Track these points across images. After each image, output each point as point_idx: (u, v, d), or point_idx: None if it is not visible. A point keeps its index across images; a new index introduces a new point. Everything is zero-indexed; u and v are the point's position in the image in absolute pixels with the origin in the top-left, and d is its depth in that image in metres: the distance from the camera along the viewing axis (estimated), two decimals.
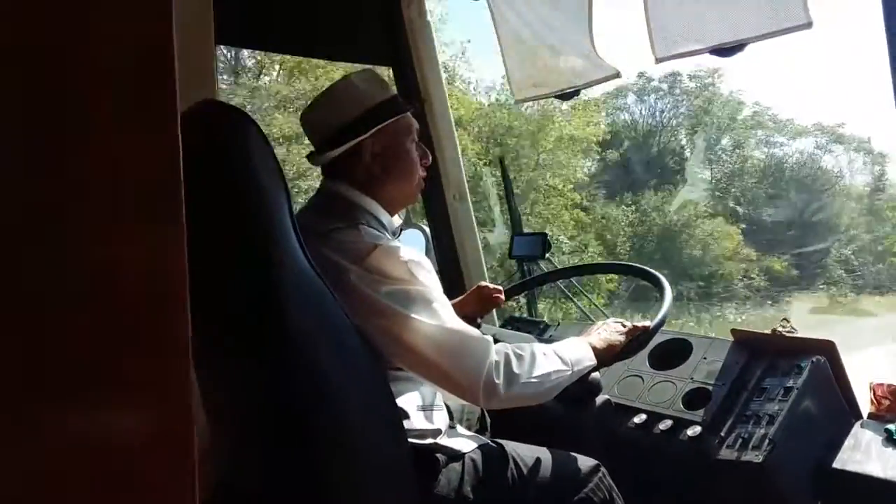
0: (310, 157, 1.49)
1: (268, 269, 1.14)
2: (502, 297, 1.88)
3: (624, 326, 1.56)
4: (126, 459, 0.76)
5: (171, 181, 0.84)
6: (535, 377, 1.32)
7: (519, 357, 1.32)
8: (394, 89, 1.51)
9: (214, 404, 1.26)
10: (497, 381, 1.27)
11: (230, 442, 1.29)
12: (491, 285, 1.91)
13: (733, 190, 19.46)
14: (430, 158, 1.54)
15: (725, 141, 20.17)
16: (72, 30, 0.73)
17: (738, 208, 19.02)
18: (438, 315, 1.29)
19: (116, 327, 0.77)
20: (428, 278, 1.34)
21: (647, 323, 1.57)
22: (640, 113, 20.79)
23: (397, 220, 1.52)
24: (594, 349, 1.47)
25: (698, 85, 19.97)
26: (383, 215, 1.45)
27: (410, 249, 1.36)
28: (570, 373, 1.39)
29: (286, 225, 1.16)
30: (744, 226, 18.53)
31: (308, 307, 1.18)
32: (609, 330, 1.54)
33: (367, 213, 1.41)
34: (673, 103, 20.52)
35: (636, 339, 1.54)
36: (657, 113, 20.76)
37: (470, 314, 1.88)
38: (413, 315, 1.27)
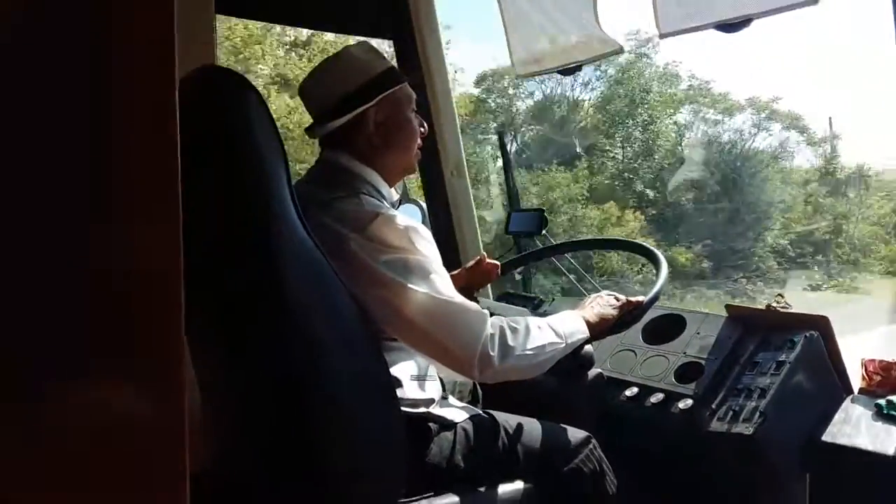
0: (308, 129, 1.49)
1: (266, 239, 1.14)
2: (498, 269, 1.88)
3: (617, 300, 1.56)
4: (117, 435, 0.76)
5: (168, 146, 0.84)
6: (529, 350, 1.33)
7: (514, 330, 1.32)
8: (388, 60, 1.50)
9: (210, 376, 1.27)
10: (492, 354, 1.27)
11: (226, 413, 1.29)
12: (489, 259, 1.92)
13: (643, 172, 17.37)
14: (427, 129, 1.55)
15: (646, 117, 17.72)
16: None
17: (649, 192, 17.02)
18: (436, 286, 1.29)
19: (109, 300, 0.76)
20: (428, 248, 1.34)
21: (641, 298, 1.57)
22: (571, 86, 18.04)
23: (395, 194, 1.52)
24: (587, 322, 1.47)
25: (629, 57, 17.55)
26: (383, 186, 1.45)
27: (411, 219, 1.36)
28: (563, 345, 1.39)
29: (284, 194, 1.16)
30: (652, 212, 16.54)
31: (306, 277, 1.18)
32: (602, 303, 1.54)
33: (367, 184, 1.41)
34: (602, 75, 18.03)
35: (629, 313, 1.55)
36: (581, 86, 18.02)
37: (466, 287, 1.88)
38: (410, 285, 1.27)
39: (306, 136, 1.54)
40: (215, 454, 1.26)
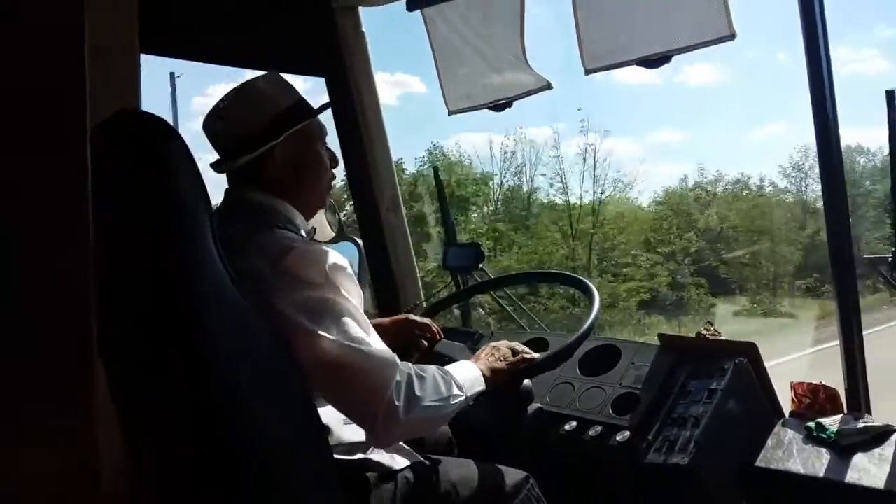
0: (214, 164, 1.44)
1: (187, 287, 1.10)
2: (424, 344, 1.86)
3: (514, 354, 1.55)
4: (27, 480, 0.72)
5: (79, 198, 0.81)
6: (434, 401, 1.28)
7: (421, 378, 1.28)
8: (298, 93, 1.46)
9: (131, 420, 1.21)
10: (398, 404, 1.22)
11: (149, 457, 1.23)
12: (419, 319, 1.88)
13: None
14: (339, 162, 1.53)
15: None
16: None
17: None
18: (346, 329, 1.24)
19: (21, 349, 0.74)
20: (345, 283, 1.29)
21: (535, 355, 1.58)
22: None
23: (309, 224, 1.48)
24: (483, 375, 1.45)
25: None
26: (298, 217, 1.41)
27: (329, 251, 1.32)
28: (464, 398, 1.35)
29: (206, 240, 1.12)
30: None
31: (228, 324, 1.15)
32: (496, 356, 1.52)
33: (282, 217, 1.38)
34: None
35: (522, 370, 1.55)
36: None
37: (392, 343, 1.86)
38: (319, 330, 1.22)
39: None
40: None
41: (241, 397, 1.14)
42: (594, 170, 18.32)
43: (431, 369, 1.33)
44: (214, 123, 1.42)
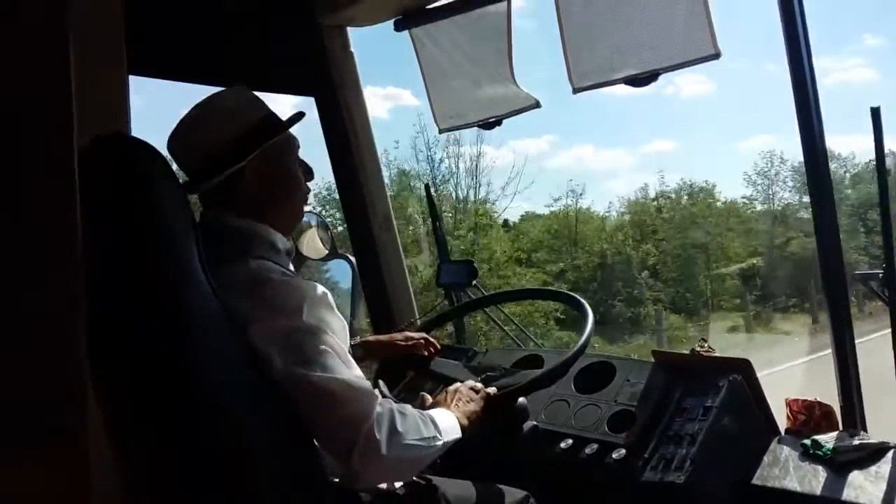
0: (183, 186, 1.34)
1: (174, 310, 1.10)
2: (430, 348, 1.85)
3: (476, 392, 1.50)
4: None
5: (68, 223, 0.81)
6: (415, 440, 1.23)
7: (402, 415, 1.24)
8: (266, 106, 1.39)
9: (121, 444, 1.20)
10: (378, 437, 1.17)
11: (139, 488, 1.22)
12: (416, 335, 1.87)
13: None
14: (314, 175, 1.46)
15: None
16: None
17: None
18: (324, 362, 1.19)
19: (11, 377, 0.74)
20: (323, 314, 1.24)
21: (491, 390, 1.53)
22: None
23: (289, 242, 1.43)
24: (460, 423, 1.39)
25: None
26: (276, 238, 1.35)
27: (308, 284, 1.28)
28: (441, 444, 1.30)
29: (193, 264, 1.12)
30: None
31: (216, 349, 1.15)
32: (464, 399, 1.47)
33: (258, 242, 1.32)
34: None
35: (489, 405, 1.50)
36: None
37: (389, 357, 1.87)
38: (296, 367, 1.17)
39: None
40: None
41: (226, 408, 1.14)
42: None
43: (411, 408, 1.29)
44: (179, 144, 1.35)
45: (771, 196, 21.90)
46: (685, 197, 21.37)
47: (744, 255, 19.36)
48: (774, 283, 18.20)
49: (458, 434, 1.36)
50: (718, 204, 21.27)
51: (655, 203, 21.01)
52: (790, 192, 21.75)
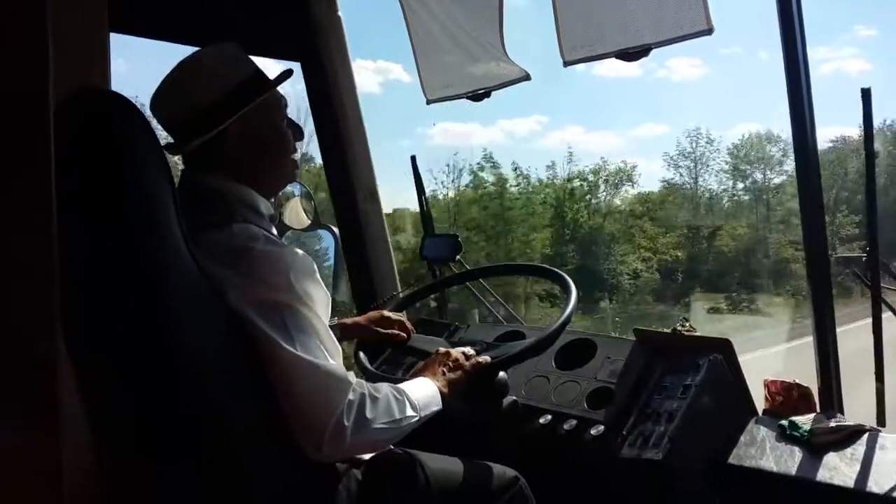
0: (167, 147, 1.32)
1: (151, 268, 1.08)
2: (403, 335, 1.83)
3: (466, 358, 1.50)
4: None
5: (41, 177, 0.79)
6: (384, 423, 1.24)
7: (374, 399, 1.23)
8: (253, 64, 1.36)
9: (98, 415, 1.18)
10: (346, 424, 1.17)
11: (115, 455, 1.20)
12: (393, 316, 1.85)
13: None
14: (303, 135, 1.44)
15: None
16: None
17: None
18: (304, 341, 1.18)
19: None
20: (308, 287, 1.23)
21: (486, 358, 1.53)
22: None
23: (272, 208, 1.41)
24: (441, 392, 1.39)
25: None
26: (260, 202, 1.33)
27: (295, 253, 1.25)
28: (417, 419, 1.31)
29: (170, 222, 1.09)
30: None
31: (193, 311, 1.13)
32: (450, 366, 1.47)
33: (241, 204, 1.29)
34: None
35: (477, 373, 1.50)
36: None
37: (365, 339, 1.84)
38: (277, 338, 1.16)
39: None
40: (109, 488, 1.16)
41: (205, 375, 1.13)
42: None
43: (385, 389, 1.28)
44: (161, 102, 1.31)
45: (695, 179, 21.68)
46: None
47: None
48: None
49: (437, 406, 1.36)
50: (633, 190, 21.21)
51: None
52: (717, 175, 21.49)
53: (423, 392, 1.36)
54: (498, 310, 2.40)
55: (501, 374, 1.66)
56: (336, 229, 2.53)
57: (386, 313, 1.86)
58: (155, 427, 1.12)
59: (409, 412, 1.29)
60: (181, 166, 1.37)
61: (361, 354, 1.81)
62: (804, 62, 1.59)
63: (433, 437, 1.67)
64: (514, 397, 1.74)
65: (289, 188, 2.15)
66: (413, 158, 2.59)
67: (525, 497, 1.47)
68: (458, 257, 2.39)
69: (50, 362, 0.79)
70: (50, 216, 0.80)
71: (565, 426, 1.69)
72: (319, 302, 1.25)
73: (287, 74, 1.40)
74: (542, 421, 1.75)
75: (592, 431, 1.64)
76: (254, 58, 1.39)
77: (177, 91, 1.30)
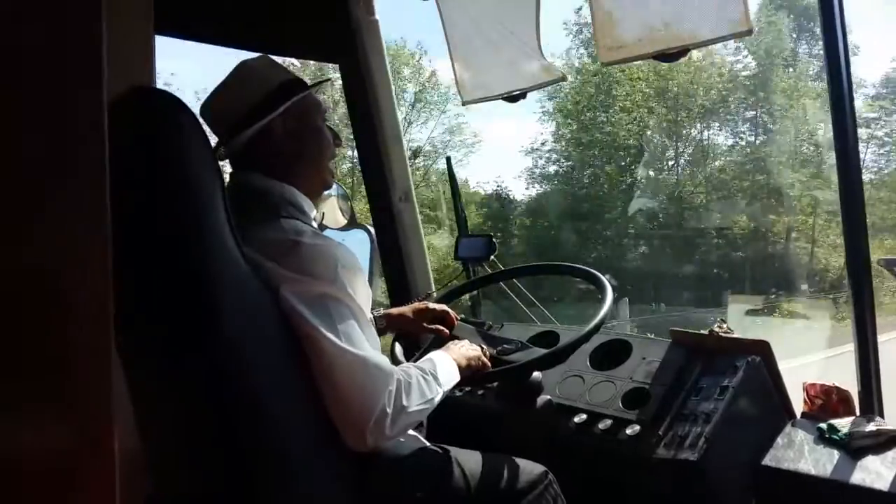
0: (215, 150, 1.38)
1: (200, 266, 1.10)
2: (446, 331, 1.85)
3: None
4: (42, 470, 0.73)
5: (97, 175, 0.81)
6: (417, 406, 1.29)
7: (408, 385, 1.28)
8: (291, 72, 1.46)
9: (146, 410, 1.22)
10: (388, 412, 1.22)
11: (163, 449, 1.23)
12: (437, 307, 1.88)
13: None
14: (342, 140, 1.51)
15: None
16: None
17: None
18: (349, 333, 1.22)
19: (33, 330, 0.74)
20: (353, 281, 1.26)
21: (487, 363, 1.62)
22: None
23: (315, 209, 1.45)
24: (458, 366, 1.48)
25: None
26: (304, 200, 1.38)
27: (339, 246, 1.29)
28: (440, 395, 1.36)
29: (219, 220, 1.12)
30: None
31: (242, 307, 1.15)
32: (468, 347, 1.58)
33: (286, 202, 1.34)
34: None
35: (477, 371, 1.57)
36: None
37: (408, 332, 1.88)
38: (323, 329, 1.20)
39: None
40: (153, 493, 1.20)
41: (252, 374, 1.15)
42: None
43: (413, 371, 1.33)
44: (211, 108, 1.39)
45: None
46: None
47: None
48: None
49: (456, 378, 1.46)
50: None
51: None
52: None
53: (444, 366, 1.44)
54: (532, 309, 2.41)
55: (536, 373, 1.67)
56: (372, 229, 2.57)
57: (431, 305, 1.89)
58: (201, 421, 1.15)
59: (437, 389, 1.36)
60: (229, 169, 1.42)
61: (397, 346, 1.84)
62: (846, 67, 1.58)
63: (465, 432, 1.69)
64: (549, 397, 1.75)
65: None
66: (448, 159, 2.61)
67: (555, 493, 1.48)
68: (492, 257, 2.41)
69: (104, 362, 0.82)
70: (104, 209, 0.83)
71: (600, 425, 1.69)
72: (363, 296, 1.29)
73: (326, 80, 1.52)
74: (576, 420, 1.75)
75: (628, 431, 1.64)
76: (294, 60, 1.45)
77: (222, 97, 1.39)
